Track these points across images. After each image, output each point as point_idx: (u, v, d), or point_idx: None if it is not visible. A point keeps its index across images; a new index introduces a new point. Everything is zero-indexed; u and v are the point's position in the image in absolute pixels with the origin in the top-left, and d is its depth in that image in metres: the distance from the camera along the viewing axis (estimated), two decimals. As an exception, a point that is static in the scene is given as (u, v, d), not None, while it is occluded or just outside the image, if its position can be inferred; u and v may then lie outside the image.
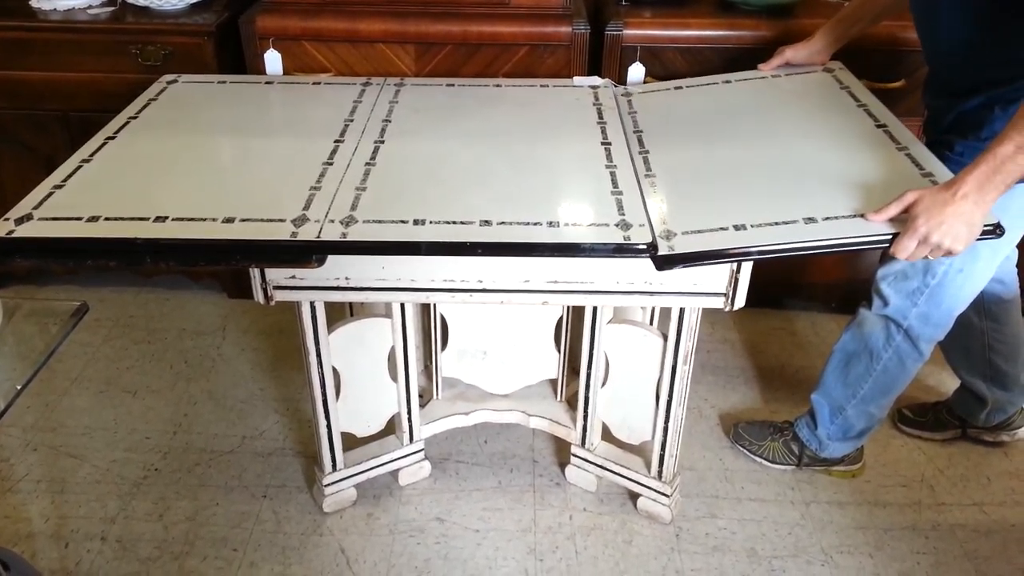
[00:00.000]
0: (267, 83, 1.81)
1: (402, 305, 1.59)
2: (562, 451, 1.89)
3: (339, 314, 1.70)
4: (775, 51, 1.77)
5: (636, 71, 1.95)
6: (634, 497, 1.76)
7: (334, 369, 1.59)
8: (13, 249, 1.23)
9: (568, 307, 1.72)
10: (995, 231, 1.22)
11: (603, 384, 1.69)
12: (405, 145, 1.50)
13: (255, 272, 1.38)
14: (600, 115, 1.63)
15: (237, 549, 1.66)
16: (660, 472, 1.69)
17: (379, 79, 1.80)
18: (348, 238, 1.22)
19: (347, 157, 1.45)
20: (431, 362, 1.83)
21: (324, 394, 1.60)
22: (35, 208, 1.28)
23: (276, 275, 1.38)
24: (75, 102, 2.11)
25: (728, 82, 1.77)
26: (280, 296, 1.40)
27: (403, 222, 1.25)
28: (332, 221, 1.25)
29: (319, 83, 1.80)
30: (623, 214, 1.28)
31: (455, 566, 1.63)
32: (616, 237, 1.22)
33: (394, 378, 1.68)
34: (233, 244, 1.22)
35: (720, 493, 1.81)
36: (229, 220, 1.25)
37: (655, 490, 1.71)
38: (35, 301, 1.34)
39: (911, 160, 1.37)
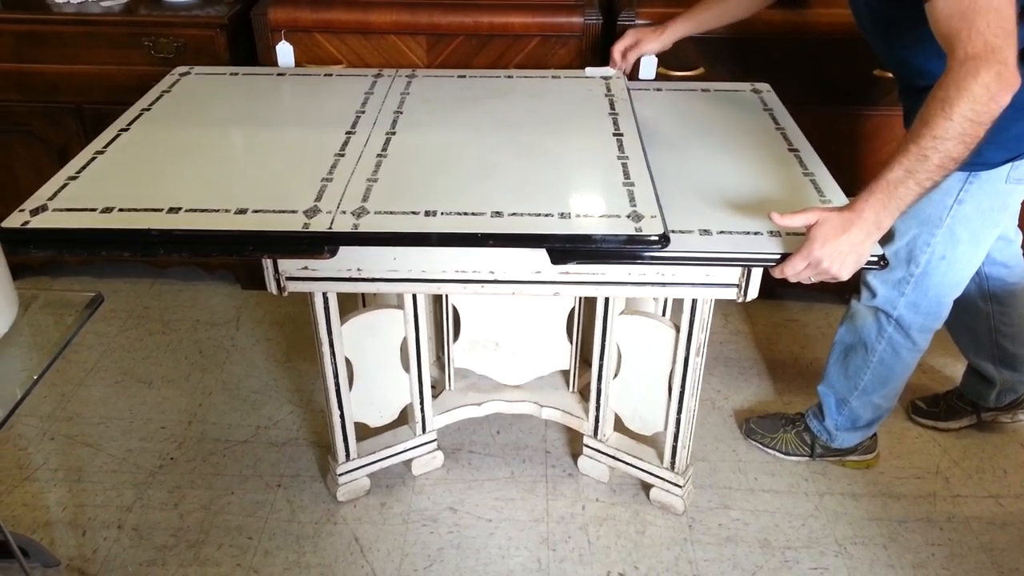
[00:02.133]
0: (279, 75, 1.81)
1: (414, 296, 1.59)
2: (574, 442, 1.89)
3: (352, 305, 1.70)
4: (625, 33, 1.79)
5: (649, 61, 1.94)
6: (647, 488, 1.76)
7: (347, 360, 1.60)
8: (28, 240, 1.24)
9: (580, 298, 1.72)
10: (879, 263, 1.25)
11: (615, 375, 1.68)
12: (416, 136, 1.50)
13: (268, 263, 1.38)
14: (612, 106, 1.62)
15: (252, 537, 1.68)
16: (673, 463, 1.68)
17: (391, 71, 1.80)
18: (360, 229, 1.22)
19: (359, 148, 1.45)
20: (443, 353, 1.84)
21: (337, 384, 1.60)
22: (50, 199, 1.29)
23: (289, 266, 1.38)
24: (88, 94, 2.12)
25: (659, 90, 1.80)
26: (292, 287, 1.41)
27: (414, 213, 1.25)
28: (344, 212, 1.26)
29: (331, 75, 1.80)
30: (635, 205, 1.27)
31: (468, 555, 1.64)
32: (627, 228, 1.22)
33: (406, 369, 1.68)
34: (246, 235, 1.22)
35: (733, 484, 1.80)
36: (242, 211, 1.25)
37: (668, 481, 1.71)
38: (50, 292, 1.35)
39: (814, 185, 1.42)
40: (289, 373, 2.14)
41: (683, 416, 1.62)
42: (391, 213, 1.26)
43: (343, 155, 1.43)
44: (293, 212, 1.26)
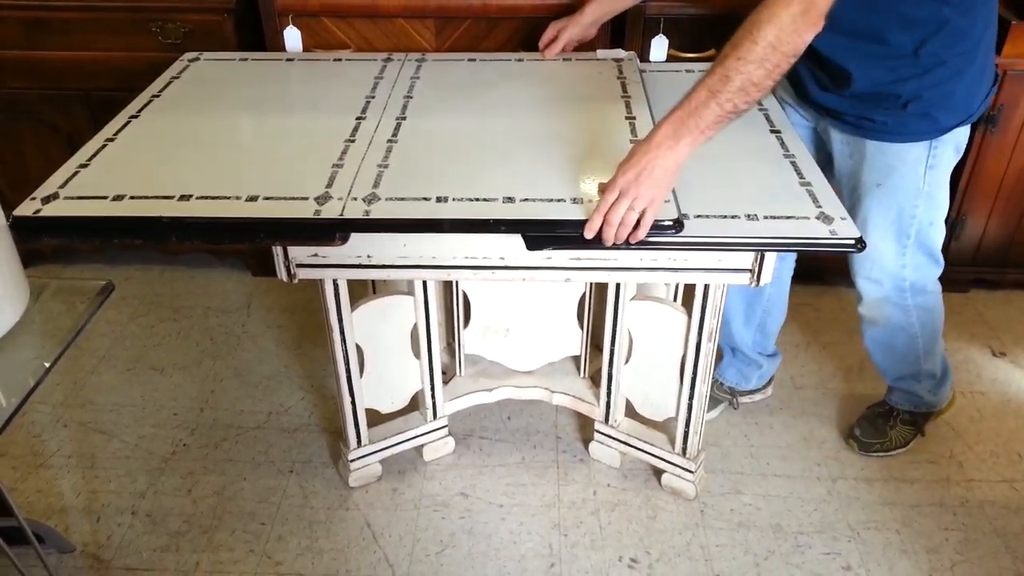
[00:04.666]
0: (288, 60, 1.80)
1: (424, 282, 1.58)
2: (585, 427, 1.89)
3: (362, 291, 1.70)
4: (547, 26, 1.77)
5: (659, 43, 1.92)
6: (658, 473, 1.75)
7: (357, 346, 1.59)
8: (40, 227, 1.24)
9: (591, 283, 1.71)
10: (856, 246, 1.22)
11: (626, 361, 1.68)
12: (427, 121, 1.49)
13: (278, 250, 1.37)
14: (624, 89, 1.60)
15: (265, 523, 1.68)
16: (684, 448, 1.68)
17: (400, 55, 1.79)
18: (371, 216, 1.22)
19: (369, 134, 1.44)
20: (454, 339, 1.83)
21: (348, 371, 1.60)
22: (61, 187, 1.29)
23: (299, 253, 1.38)
24: (96, 81, 2.12)
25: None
26: (302, 274, 1.40)
27: (425, 199, 1.25)
28: (355, 199, 1.25)
29: (340, 60, 1.79)
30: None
31: (479, 540, 1.64)
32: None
33: (417, 355, 1.68)
34: (257, 222, 1.22)
35: (745, 469, 1.80)
36: (253, 198, 1.25)
37: (679, 466, 1.70)
38: (62, 280, 1.35)
39: (794, 168, 1.39)
40: (300, 359, 2.14)
41: (695, 402, 1.61)
42: (402, 199, 1.25)
43: (353, 141, 1.42)
44: (304, 199, 1.25)
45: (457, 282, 1.73)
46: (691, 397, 1.61)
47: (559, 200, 1.24)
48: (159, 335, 2.23)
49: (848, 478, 1.77)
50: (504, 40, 1.98)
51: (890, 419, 1.83)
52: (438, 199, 1.25)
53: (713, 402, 1.91)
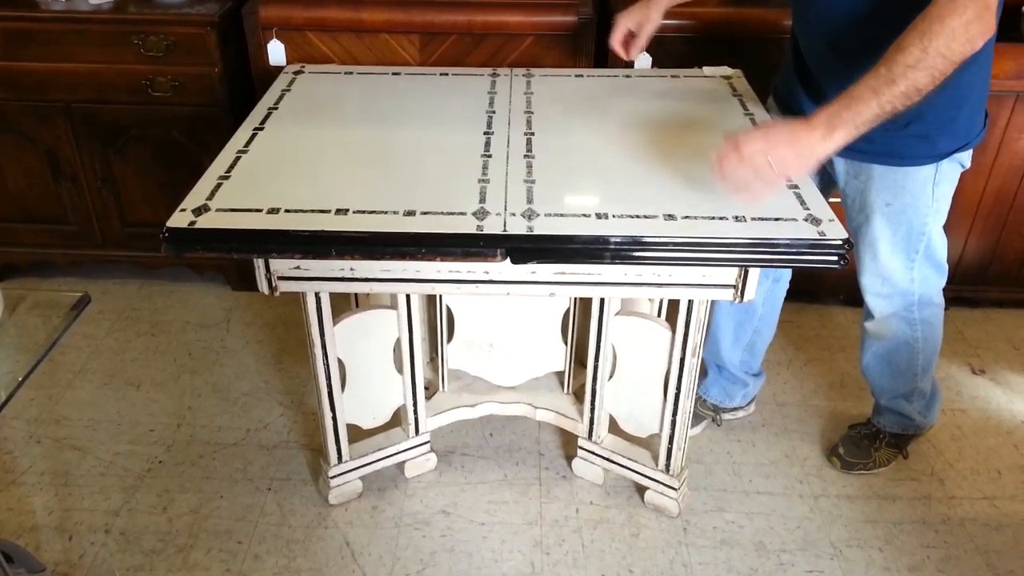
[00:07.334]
0: (395, 74, 1.80)
1: (407, 296, 1.57)
2: (568, 444, 1.88)
3: (344, 305, 1.68)
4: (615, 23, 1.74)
5: (643, 61, 1.94)
6: (641, 490, 1.74)
7: (339, 361, 1.58)
8: (196, 239, 1.23)
9: (575, 298, 1.71)
10: (839, 263, 1.22)
11: (610, 377, 1.67)
12: (557, 137, 1.50)
13: (259, 263, 1.36)
14: (744, 106, 1.62)
15: (242, 542, 1.65)
16: (668, 465, 1.67)
17: (505, 70, 1.81)
18: (535, 232, 1.21)
19: (503, 149, 1.45)
20: (437, 354, 1.82)
21: (329, 386, 1.58)
22: (208, 199, 1.28)
23: (280, 265, 1.36)
24: (78, 93, 2.10)
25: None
26: (284, 287, 1.39)
27: (585, 216, 1.25)
28: (513, 214, 1.25)
29: (447, 74, 1.80)
30: (807, 208, 1.27)
31: (460, 559, 1.62)
32: (810, 233, 1.21)
33: (399, 370, 1.67)
34: (421, 237, 1.21)
35: (728, 486, 1.79)
36: (410, 213, 1.25)
37: (662, 483, 1.69)
38: (38, 293, 1.33)
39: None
40: (280, 375, 2.12)
41: (678, 418, 1.61)
42: (561, 215, 1.25)
43: (490, 156, 1.42)
44: (462, 214, 1.25)
45: (441, 296, 1.72)
46: (675, 413, 1.60)
47: (721, 218, 1.23)
48: (136, 350, 2.20)
49: (830, 495, 1.77)
50: (489, 56, 1.99)
51: (876, 441, 1.83)
52: (598, 215, 1.24)
53: (696, 419, 1.90)
